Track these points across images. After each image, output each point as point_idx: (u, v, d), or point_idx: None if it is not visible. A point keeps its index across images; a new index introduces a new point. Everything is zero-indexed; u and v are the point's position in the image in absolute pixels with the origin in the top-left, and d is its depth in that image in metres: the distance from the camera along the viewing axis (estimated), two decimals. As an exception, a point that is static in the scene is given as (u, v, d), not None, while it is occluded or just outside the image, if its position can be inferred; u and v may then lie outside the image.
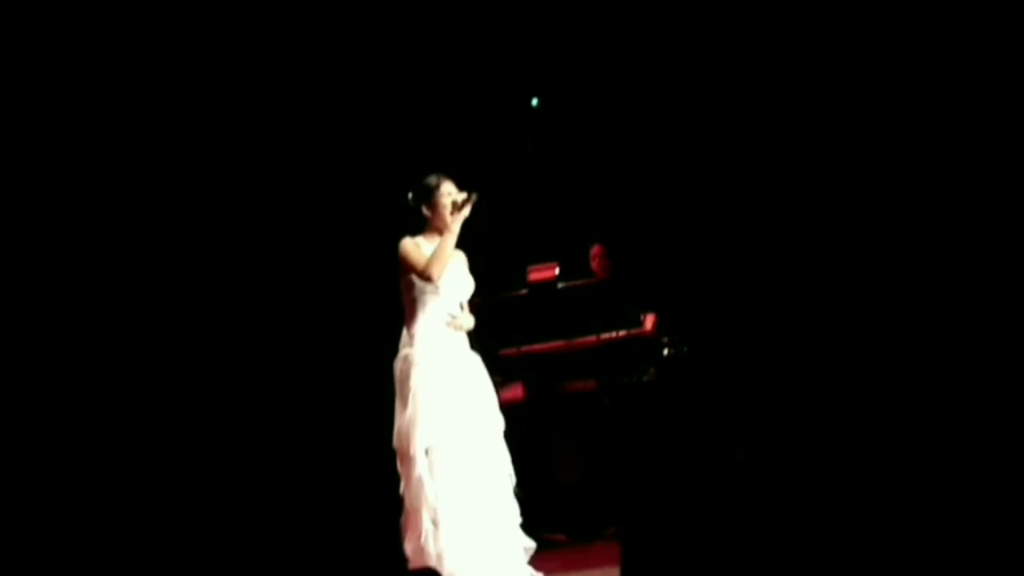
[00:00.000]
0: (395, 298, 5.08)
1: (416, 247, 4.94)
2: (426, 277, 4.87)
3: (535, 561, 4.97)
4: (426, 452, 4.76)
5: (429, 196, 4.98)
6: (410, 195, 5.03)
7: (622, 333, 6.89)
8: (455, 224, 4.90)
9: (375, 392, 5.23)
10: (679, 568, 3.35)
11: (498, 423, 4.98)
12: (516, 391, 6.87)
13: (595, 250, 7.39)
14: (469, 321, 5.04)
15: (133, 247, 7.01)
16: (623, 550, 3.62)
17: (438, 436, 4.78)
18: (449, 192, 4.97)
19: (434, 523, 4.71)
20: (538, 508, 5.37)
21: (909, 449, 2.98)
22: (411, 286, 4.94)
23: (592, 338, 6.93)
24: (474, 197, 4.91)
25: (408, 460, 4.78)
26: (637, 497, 3.61)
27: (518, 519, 4.92)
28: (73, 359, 6.65)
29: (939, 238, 6.51)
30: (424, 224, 5.01)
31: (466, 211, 4.91)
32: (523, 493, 5.03)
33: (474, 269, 5.13)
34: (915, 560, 2.83)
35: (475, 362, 5.03)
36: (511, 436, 5.08)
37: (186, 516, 6.19)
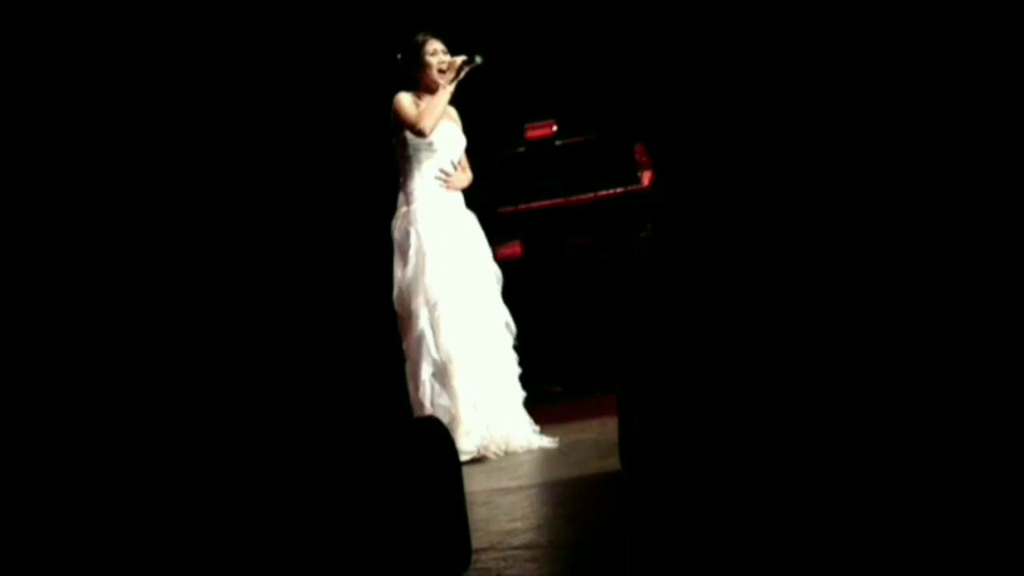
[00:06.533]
0: (389, 160, 5.10)
1: (411, 103, 4.96)
2: (418, 131, 4.90)
3: (533, 412, 5.07)
4: (428, 307, 4.82)
5: (416, 55, 4.99)
6: (399, 56, 5.04)
7: (620, 190, 6.91)
8: (451, 83, 4.92)
9: (372, 252, 5.26)
10: (677, 419, 3.43)
11: (495, 277, 5.05)
12: (514, 248, 6.93)
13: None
14: (463, 179, 5.07)
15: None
16: (620, 402, 3.69)
17: (442, 290, 4.84)
18: (435, 50, 4.98)
19: (435, 376, 4.80)
20: (536, 362, 5.47)
21: (905, 288, 2.99)
22: (405, 144, 4.97)
23: (590, 195, 6.96)
24: (477, 61, 4.90)
25: (411, 316, 4.84)
26: (635, 351, 3.67)
27: (516, 370, 5.01)
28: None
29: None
30: (416, 85, 5.02)
31: (463, 74, 4.92)
32: (521, 347, 5.12)
33: (470, 127, 5.13)
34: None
35: (470, 220, 5.07)
36: (510, 292, 5.15)
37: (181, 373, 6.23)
